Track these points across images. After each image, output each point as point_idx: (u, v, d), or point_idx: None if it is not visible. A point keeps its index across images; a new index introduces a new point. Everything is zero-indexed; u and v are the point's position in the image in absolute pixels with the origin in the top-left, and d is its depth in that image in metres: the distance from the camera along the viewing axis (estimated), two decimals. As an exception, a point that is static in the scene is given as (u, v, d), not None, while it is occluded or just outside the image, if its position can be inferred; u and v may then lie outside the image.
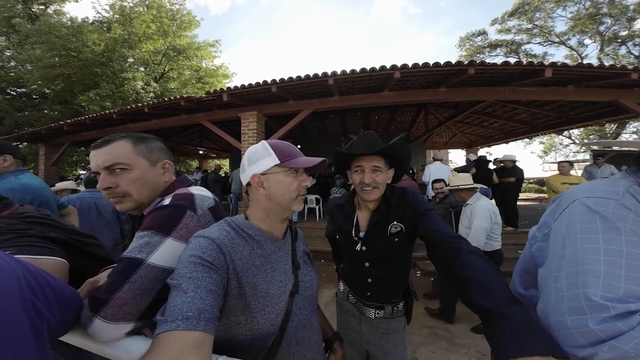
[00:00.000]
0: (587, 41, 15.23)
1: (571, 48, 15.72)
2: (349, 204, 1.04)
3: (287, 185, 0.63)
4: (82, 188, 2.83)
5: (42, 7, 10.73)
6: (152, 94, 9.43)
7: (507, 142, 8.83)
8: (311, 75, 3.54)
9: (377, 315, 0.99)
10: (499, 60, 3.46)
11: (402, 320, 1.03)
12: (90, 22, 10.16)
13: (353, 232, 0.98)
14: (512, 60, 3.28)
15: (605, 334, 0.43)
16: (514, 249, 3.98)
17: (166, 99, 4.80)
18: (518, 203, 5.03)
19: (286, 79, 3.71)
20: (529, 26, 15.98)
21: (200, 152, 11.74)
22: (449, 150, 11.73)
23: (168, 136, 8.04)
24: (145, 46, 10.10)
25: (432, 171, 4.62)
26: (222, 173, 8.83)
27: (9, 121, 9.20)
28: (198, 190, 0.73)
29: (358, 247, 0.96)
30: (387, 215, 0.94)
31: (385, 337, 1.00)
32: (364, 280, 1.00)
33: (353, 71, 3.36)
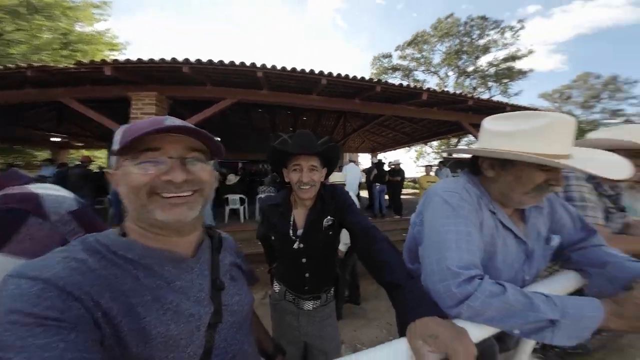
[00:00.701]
0: (450, 73, 21.93)
1: (440, 77, 22.17)
2: (285, 203, 1.05)
3: (129, 180, 0.42)
4: None
5: None
6: None
7: (395, 149, 11.37)
8: (237, 62, 3.26)
9: (314, 306, 1.06)
10: (397, 82, 4.39)
11: (333, 304, 1.13)
12: None
13: (290, 231, 1.00)
14: (405, 83, 4.24)
15: (462, 295, 0.57)
16: (400, 233, 5.18)
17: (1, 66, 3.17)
18: (402, 197, 6.59)
19: (205, 60, 3.24)
20: (419, 56, 21.49)
21: (57, 139, 8.34)
22: (359, 154, 13.92)
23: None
24: None
25: (348, 171, 5.37)
26: (94, 167, 6.63)
27: None
28: (47, 189, 0.57)
29: (296, 246, 0.99)
30: (322, 212, 1.01)
31: (321, 324, 1.07)
32: (301, 276, 1.03)
33: (284, 69, 3.35)
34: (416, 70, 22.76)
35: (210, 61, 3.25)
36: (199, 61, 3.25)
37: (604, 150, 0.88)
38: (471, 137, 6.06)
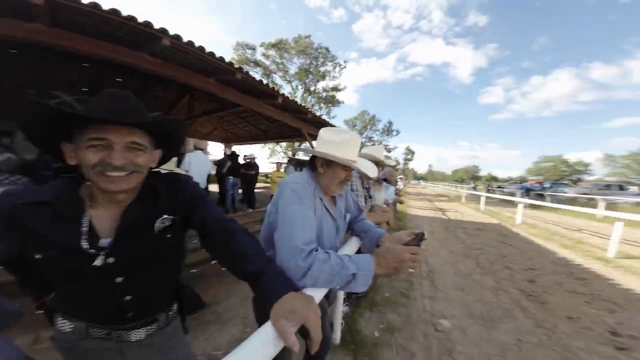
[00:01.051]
0: (299, 87, 26.15)
1: (292, 88, 25.72)
2: (67, 199, 0.65)
3: None
4: None
5: None
6: None
7: (251, 144, 11.42)
8: None
9: (149, 332, 0.78)
10: (257, 76, 4.42)
11: (177, 322, 0.89)
12: None
13: (84, 243, 0.64)
14: (265, 81, 4.39)
15: (305, 267, 0.73)
16: (253, 225, 5.34)
17: None
18: (255, 190, 6.84)
19: None
20: (279, 61, 23.62)
21: None
22: (208, 142, 12.25)
23: None
24: None
25: (193, 160, 4.60)
26: None
27: None
28: None
29: (99, 262, 0.65)
30: (153, 210, 0.72)
31: (164, 349, 0.82)
32: (117, 301, 0.71)
33: (95, 4, 2.16)
34: (275, 73, 25.17)
35: None
36: None
37: (367, 159, 1.77)
38: (307, 144, 7.44)
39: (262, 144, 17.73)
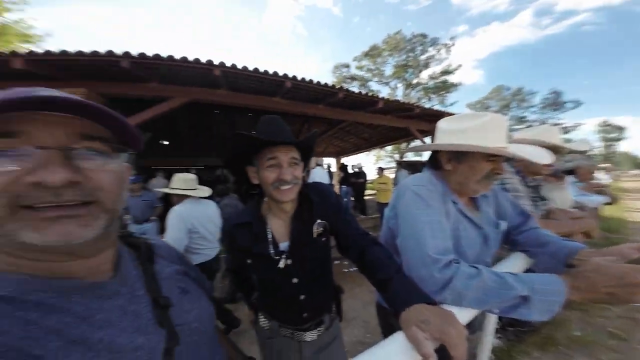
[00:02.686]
0: (399, 85, 24.47)
1: (391, 88, 24.56)
2: (258, 219, 0.83)
3: None
4: None
5: None
6: None
7: (356, 153, 11.97)
8: (190, 59, 2.92)
9: (319, 333, 0.90)
10: (355, 90, 4.65)
11: (337, 322, 0.98)
12: None
13: (271, 250, 0.80)
14: (363, 92, 4.51)
15: (443, 279, 0.61)
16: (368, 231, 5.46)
17: None
18: (365, 197, 6.95)
19: (151, 55, 2.83)
20: (373, 67, 23.69)
21: None
22: (323, 158, 14.34)
23: None
24: None
25: (317, 175, 5.49)
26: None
27: None
28: None
29: (282, 264, 0.79)
30: (310, 216, 0.84)
31: (329, 349, 0.92)
32: (295, 302, 0.84)
33: (245, 68, 3.15)
34: (371, 80, 24.98)
35: (157, 55, 2.84)
36: (142, 55, 2.81)
37: (529, 145, 1.22)
38: (418, 142, 6.72)
39: (367, 152, 18.14)
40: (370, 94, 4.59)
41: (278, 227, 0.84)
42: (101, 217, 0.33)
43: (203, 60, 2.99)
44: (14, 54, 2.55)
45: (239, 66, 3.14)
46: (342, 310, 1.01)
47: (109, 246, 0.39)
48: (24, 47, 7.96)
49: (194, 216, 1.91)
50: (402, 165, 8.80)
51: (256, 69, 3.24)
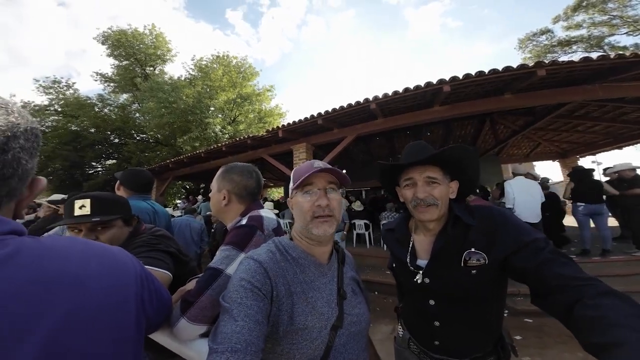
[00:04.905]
0: None
1: None
2: (401, 227, 0.89)
3: (300, 206, 0.61)
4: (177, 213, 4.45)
5: (151, 68, 14.48)
6: (227, 135, 11.28)
7: (620, 148, 6.77)
8: (353, 103, 3.67)
9: None
10: (577, 57, 2.81)
11: None
12: (183, 78, 13.10)
13: (408, 260, 0.81)
14: (596, 54, 2.66)
15: None
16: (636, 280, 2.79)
17: (237, 139, 5.78)
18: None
19: (330, 110, 3.94)
20: (604, 18, 12.95)
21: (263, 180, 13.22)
22: (533, 163, 9.65)
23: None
24: (220, 96, 12.42)
25: (515, 189, 3.50)
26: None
27: (135, 160, 11.74)
28: (265, 213, 0.86)
29: (418, 279, 0.78)
30: (462, 240, 0.72)
31: None
32: (428, 324, 0.79)
33: (395, 92, 3.31)
34: (612, 35, 13.22)
35: (334, 109, 3.90)
36: (327, 112, 4.01)
37: None
38: None
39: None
40: (617, 53, 2.65)
41: (421, 242, 0.82)
42: (335, 223, 0.62)
43: (361, 100, 3.60)
44: (278, 128, 4.72)
45: (390, 92, 3.36)
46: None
47: (332, 241, 0.66)
48: (280, 121, 14.16)
49: None
50: None
51: (406, 89, 3.26)
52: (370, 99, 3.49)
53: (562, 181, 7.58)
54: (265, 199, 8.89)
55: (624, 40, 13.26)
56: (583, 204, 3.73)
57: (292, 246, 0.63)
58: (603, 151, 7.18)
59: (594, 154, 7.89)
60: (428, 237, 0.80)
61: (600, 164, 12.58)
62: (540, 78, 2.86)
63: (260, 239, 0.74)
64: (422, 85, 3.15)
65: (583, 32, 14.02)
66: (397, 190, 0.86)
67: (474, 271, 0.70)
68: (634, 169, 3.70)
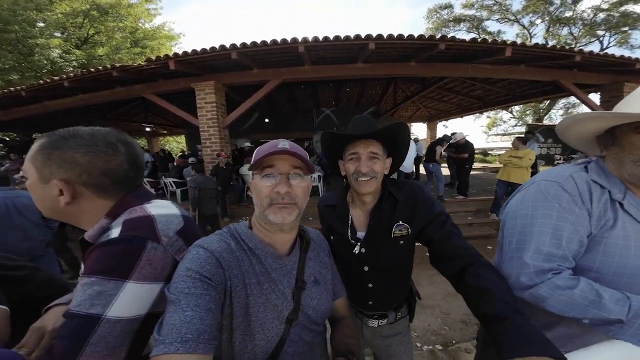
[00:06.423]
0: (537, 21, 16.19)
1: (523, 27, 16.55)
2: (341, 204, 0.92)
3: (257, 190, 0.57)
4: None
5: None
6: (74, 63, 7.78)
7: (461, 117, 9.61)
8: (279, 40, 3.14)
9: (380, 324, 0.93)
10: (461, 35, 3.50)
11: (405, 321, 0.98)
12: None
13: (349, 235, 0.87)
14: (472, 36, 3.33)
15: (527, 285, 0.63)
16: (464, 216, 4.55)
17: (92, 69, 3.86)
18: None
19: (249, 43, 3.24)
20: (490, 2, 16.32)
21: (147, 129, 10.19)
22: (411, 124, 12.31)
23: (103, 112, 6.76)
24: (58, 7, 7.96)
25: None
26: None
27: None
28: (160, 209, 0.56)
29: (356, 250, 0.85)
30: (392, 214, 0.82)
31: (388, 340, 0.96)
32: (363, 287, 0.89)
33: (326, 38, 3.07)
34: (488, 19, 17.17)
35: (253, 43, 3.22)
36: (244, 44, 3.27)
37: None
38: (572, 99, 4.57)
39: (478, 114, 14.20)
40: (491, 39, 3.42)
41: (358, 216, 0.89)
42: (296, 211, 0.57)
43: (288, 39, 3.13)
44: (167, 57, 3.48)
45: (320, 37, 3.08)
46: (413, 313, 1.01)
47: (295, 228, 0.63)
48: (170, 48, 10.59)
49: None
50: (532, 132, 6.36)
51: (337, 37, 3.08)
52: (299, 40, 3.08)
53: (425, 139, 10.30)
54: (184, 153, 7.12)
55: (493, 25, 17.25)
56: (432, 163, 5.18)
57: (249, 235, 0.59)
58: (452, 118, 10.05)
59: (447, 120, 10.92)
60: (364, 211, 0.87)
61: (447, 127, 17.55)
62: (438, 51, 3.37)
63: (157, 254, 0.49)
64: (352, 37, 3.05)
65: (472, 12, 16.75)
66: (339, 164, 0.88)
67: (401, 242, 0.82)
68: (464, 138, 5.39)
